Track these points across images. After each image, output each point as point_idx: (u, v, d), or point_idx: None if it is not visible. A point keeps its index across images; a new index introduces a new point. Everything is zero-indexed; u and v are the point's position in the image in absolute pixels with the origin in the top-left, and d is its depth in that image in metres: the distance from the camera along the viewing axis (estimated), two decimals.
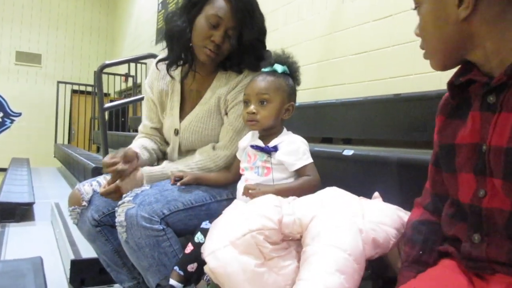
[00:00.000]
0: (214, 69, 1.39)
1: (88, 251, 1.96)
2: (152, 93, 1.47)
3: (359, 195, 1.48)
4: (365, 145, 2.31)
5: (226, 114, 1.36)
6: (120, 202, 1.16)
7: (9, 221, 2.92)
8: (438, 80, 2.14)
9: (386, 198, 1.39)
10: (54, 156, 7.33)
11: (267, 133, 1.18)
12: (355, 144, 2.43)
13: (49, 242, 2.50)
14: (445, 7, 0.68)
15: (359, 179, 1.50)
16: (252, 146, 1.16)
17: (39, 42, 9.04)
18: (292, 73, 1.21)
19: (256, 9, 1.32)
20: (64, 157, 5.85)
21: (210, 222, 1.14)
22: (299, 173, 1.13)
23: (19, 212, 3.03)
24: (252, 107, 1.14)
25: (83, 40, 9.45)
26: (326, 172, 1.39)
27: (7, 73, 8.77)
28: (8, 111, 8.86)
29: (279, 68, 1.18)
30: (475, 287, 0.65)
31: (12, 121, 8.91)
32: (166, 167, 1.31)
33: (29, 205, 3.19)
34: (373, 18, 2.62)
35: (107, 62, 2.70)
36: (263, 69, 1.21)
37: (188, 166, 1.31)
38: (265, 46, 1.37)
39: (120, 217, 1.13)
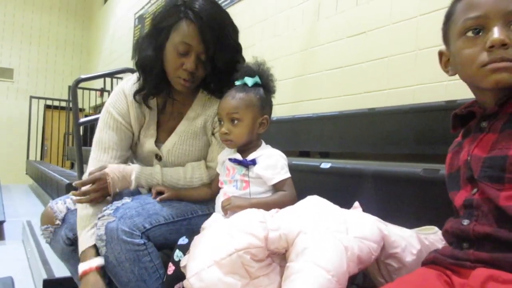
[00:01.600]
0: (193, 90, 1.31)
1: (61, 270, 1.90)
2: (126, 121, 1.31)
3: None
4: (342, 158, 2.35)
5: (213, 135, 1.33)
6: (100, 215, 1.14)
7: None
8: (411, 95, 2.20)
9: (363, 209, 1.42)
10: (26, 173, 7.12)
11: (245, 148, 1.18)
12: (333, 157, 2.46)
13: (20, 261, 2.41)
14: None
15: (337, 191, 1.51)
16: (230, 160, 1.15)
17: (11, 56, 8.84)
18: (264, 83, 1.18)
19: (228, 26, 1.22)
20: (36, 173, 5.69)
21: (188, 238, 1.14)
22: (276, 187, 1.13)
23: None
24: (224, 128, 1.14)
25: (57, 55, 9.30)
26: (305, 185, 1.41)
27: None
28: None
29: (249, 81, 1.15)
30: (454, 285, 0.67)
31: None
32: (157, 171, 1.28)
33: None
34: (347, 35, 2.69)
35: (83, 76, 2.66)
36: (235, 82, 1.18)
37: (180, 179, 1.29)
38: (240, 59, 1.28)
39: (100, 231, 1.11)
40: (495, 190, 0.69)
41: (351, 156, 2.32)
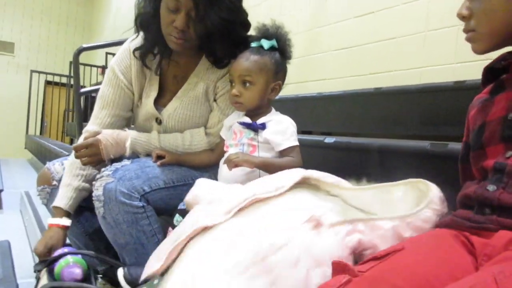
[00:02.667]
0: (195, 53, 1.28)
1: None
2: (127, 79, 1.30)
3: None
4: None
5: (215, 101, 1.29)
6: (98, 176, 1.12)
7: None
8: (418, 77, 2.18)
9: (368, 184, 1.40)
10: (25, 147, 7.11)
11: (254, 113, 1.15)
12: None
13: (17, 229, 2.41)
14: None
15: (341, 165, 1.49)
16: (239, 123, 1.12)
17: (13, 31, 8.75)
18: (281, 47, 1.14)
19: None
20: (36, 147, 5.68)
21: None
22: (283, 154, 1.10)
23: None
24: (235, 90, 1.10)
25: (58, 31, 9.20)
26: (308, 159, 1.39)
27: None
28: None
29: (265, 44, 1.11)
30: (475, 247, 0.65)
31: None
32: (154, 137, 1.25)
33: None
34: (354, 15, 2.65)
35: (85, 45, 2.62)
36: (251, 44, 1.14)
37: (178, 146, 1.26)
38: (244, 28, 1.23)
39: (97, 191, 1.09)
40: None
41: (353, 136, 2.30)
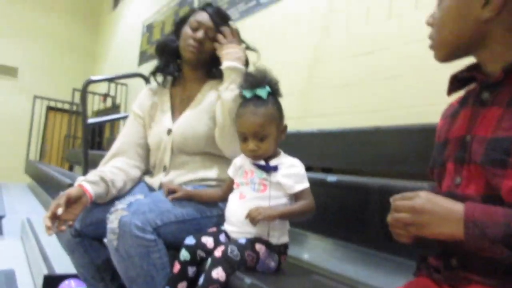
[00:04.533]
0: (203, 76, 1.53)
1: (61, 267, 1.91)
2: (141, 110, 1.55)
3: (342, 220, 1.53)
4: (345, 174, 2.37)
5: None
6: (113, 209, 1.16)
7: None
8: (418, 115, 2.24)
9: (368, 226, 1.44)
10: (25, 172, 7.12)
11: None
12: (336, 173, 2.49)
13: (18, 257, 2.41)
14: (469, 5, 0.71)
15: (342, 205, 1.54)
16: (253, 164, 1.17)
17: (17, 55, 8.88)
18: (273, 90, 1.18)
19: (230, 20, 1.53)
20: (36, 172, 5.69)
21: (195, 238, 1.16)
22: (296, 196, 1.15)
23: None
24: (252, 145, 1.14)
25: (62, 57, 9.33)
26: None
27: None
28: None
29: (263, 93, 1.15)
30: None
31: None
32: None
33: None
34: (354, 53, 2.74)
35: (93, 78, 2.70)
36: (245, 94, 1.17)
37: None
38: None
39: (112, 224, 1.13)
40: (498, 177, 0.64)
41: (354, 173, 2.35)
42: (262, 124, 1.13)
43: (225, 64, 1.39)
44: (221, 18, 1.48)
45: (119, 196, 1.35)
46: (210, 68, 1.53)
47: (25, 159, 7.52)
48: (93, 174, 1.32)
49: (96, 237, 1.35)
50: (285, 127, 1.21)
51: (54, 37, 9.26)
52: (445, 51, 0.78)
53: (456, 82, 0.80)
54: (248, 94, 1.17)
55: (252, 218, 1.06)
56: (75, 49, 9.50)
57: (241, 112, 1.17)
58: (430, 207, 0.65)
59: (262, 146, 1.14)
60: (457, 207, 0.64)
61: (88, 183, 1.27)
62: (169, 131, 1.45)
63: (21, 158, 7.72)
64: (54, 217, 1.17)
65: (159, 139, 1.47)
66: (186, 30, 1.47)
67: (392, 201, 0.70)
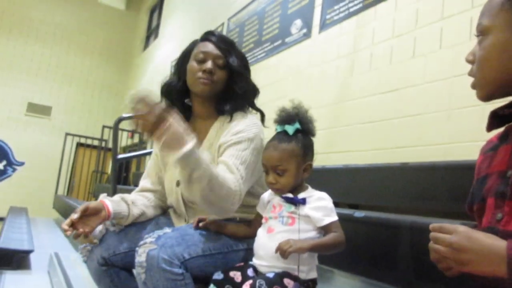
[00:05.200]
0: (213, 112, 1.43)
1: None
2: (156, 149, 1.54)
3: (370, 257, 1.50)
4: (371, 211, 2.34)
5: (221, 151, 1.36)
6: (141, 243, 1.18)
7: (5, 268, 2.85)
8: (444, 152, 2.22)
9: (398, 264, 1.41)
10: (53, 207, 7.27)
11: (293, 190, 1.20)
12: (362, 210, 2.46)
13: None
14: None
15: (370, 242, 1.51)
16: (282, 197, 1.18)
17: (51, 95, 9.32)
18: (304, 128, 1.19)
19: (236, 45, 1.47)
20: (64, 207, 5.81)
21: (223, 273, 1.16)
22: (325, 229, 1.14)
23: (17, 260, 2.97)
24: (271, 178, 1.17)
25: (93, 96, 9.74)
26: None
27: (16, 123, 8.96)
28: (12, 160, 8.92)
29: (290, 129, 1.17)
30: None
31: (14, 170, 8.94)
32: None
33: (28, 253, 3.13)
34: (380, 91, 2.76)
35: (124, 115, 2.80)
36: (276, 127, 1.20)
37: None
38: (249, 73, 1.48)
39: (141, 258, 1.14)
40: None
41: (381, 209, 2.31)
42: (280, 159, 1.15)
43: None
44: (226, 44, 1.42)
45: (146, 225, 1.40)
46: (221, 103, 1.43)
47: (54, 194, 7.71)
48: (115, 196, 1.39)
49: (125, 267, 1.37)
50: (310, 165, 1.21)
51: (87, 78, 9.72)
52: (488, 89, 0.77)
53: (496, 120, 0.80)
54: (278, 128, 1.20)
55: (283, 251, 1.05)
56: (105, 89, 9.91)
57: (267, 145, 1.21)
58: (470, 245, 0.63)
59: (280, 180, 1.16)
60: (499, 244, 0.62)
61: (108, 200, 1.32)
62: (178, 183, 1.39)
63: (50, 193, 7.92)
64: (71, 225, 1.23)
65: (170, 189, 1.44)
66: (192, 64, 1.39)
67: (431, 229, 0.69)
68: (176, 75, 1.45)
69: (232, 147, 1.31)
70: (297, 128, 1.18)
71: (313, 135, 1.23)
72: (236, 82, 1.41)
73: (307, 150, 1.20)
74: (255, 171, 1.33)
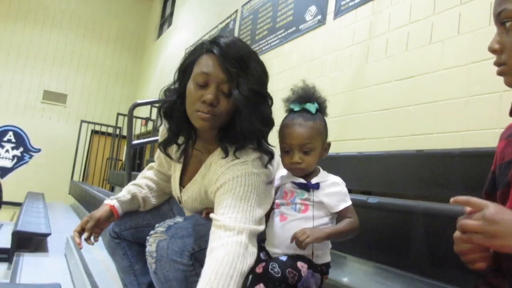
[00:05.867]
0: (213, 141, 1.19)
1: (104, 284, 1.96)
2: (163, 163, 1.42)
3: (384, 243, 1.50)
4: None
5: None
6: (152, 232, 1.16)
7: (24, 250, 2.92)
8: (460, 140, 2.19)
9: (411, 250, 1.41)
10: (69, 193, 7.40)
11: (306, 174, 1.18)
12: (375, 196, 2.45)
13: (63, 273, 2.49)
14: None
15: (383, 228, 1.51)
16: (294, 183, 1.16)
17: (67, 83, 9.43)
18: (322, 106, 1.18)
19: (251, 56, 1.12)
20: (80, 193, 5.90)
21: None
22: (340, 214, 1.13)
23: (34, 243, 3.04)
24: (296, 158, 1.13)
25: (108, 84, 9.84)
26: None
27: (32, 110, 9.10)
28: (29, 146, 9.09)
29: (312, 108, 1.15)
30: None
31: (30, 157, 9.11)
32: None
33: (45, 236, 3.20)
34: (395, 78, 2.73)
35: (139, 101, 2.82)
36: (293, 107, 1.17)
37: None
38: (267, 102, 1.15)
39: (151, 247, 1.13)
40: None
41: (394, 196, 2.30)
42: (310, 137, 1.13)
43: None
44: (235, 61, 1.08)
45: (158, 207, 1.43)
46: (222, 136, 1.15)
47: (70, 180, 7.84)
48: (126, 191, 1.37)
49: (136, 241, 1.38)
50: (329, 144, 1.21)
51: (102, 66, 9.80)
52: None
53: None
54: (296, 107, 1.17)
55: (300, 242, 1.04)
56: (120, 77, 9.99)
57: (288, 124, 1.16)
58: (501, 217, 0.62)
59: (306, 159, 1.14)
60: None
61: (119, 203, 1.32)
62: (179, 199, 1.34)
63: (66, 179, 8.05)
64: (81, 230, 1.24)
65: (175, 197, 1.39)
66: (191, 88, 1.11)
67: (455, 202, 0.67)
68: (177, 94, 1.18)
69: (223, 196, 1.08)
70: (317, 107, 1.17)
71: (326, 115, 1.21)
72: (241, 118, 1.10)
73: (327, 130, 1.20)
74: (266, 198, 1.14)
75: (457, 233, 0.69)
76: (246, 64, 1.09)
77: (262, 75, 1.13)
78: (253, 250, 1.01)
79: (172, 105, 1.18)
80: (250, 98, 1.08)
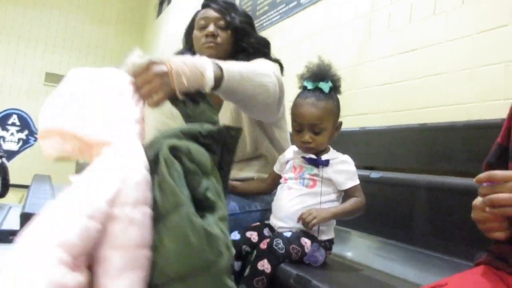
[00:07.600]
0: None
1: None
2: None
3: (387, 217, 1.51)
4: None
5: None
6: None
7: None
8: (465, 112, 2.17)
9: (414, 223, 1.41)
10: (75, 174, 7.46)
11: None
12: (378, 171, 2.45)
13: None
14: None
15: (387, 202, 1.52)
16: (304, 158, 1.16)
17: (69, 65, 9.37)
18: (336, 85, 1.18)
19: (235, 5, 1.49)
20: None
21: (239, 233, 1.17)
22: (347, 192, 1.14)
23: None
24: (307, 137, 1.14)
25: (108, 65, 9.68)
26: None
27: (36, 93, 9.08)
28: (33, 129, 9.12)
29: (325, 87, 1.14)
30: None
31: (36, 139, 9.14)
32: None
33: None
34: (398, 51, 2.69)
35: None
36: (306, 85, 1.17)
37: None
38: (255, 30, 1.51)
39: None
40: None
41: (397, 171, 2.30)
42: (321, 117, 1.13)
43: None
44: (226, 5, 1.45)
45: None
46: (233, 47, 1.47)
47: (76, 162, 7.89)
48: None
49: None
50: (340, 123, 1.20)
51: (102, 47, 9.69)
52: None
53: None
54: (310, 85, 1.16)
55: (307, 223, 1.06)
56: (121, 57, 9.86)
57: (300, 103, 1.16)
58: None
59: (317, 139, 1.14)
60: None
61: None
62: None
63: (72, 161, 8.10)
64: None
65: None
66: (196, 33, 1.45)
67: (478, 181, 0.64)
68: (186, 47, 1.51)
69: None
70: (331, 87, 1.16)
71: (340, 93, 1.21)
72: (243, 40, 1.44)
73: (339, 109, 1.20)
74: None
75: (477, 200, 0.67)
76: (233, 7, 1.47)
77: (249, 16, 1.51)
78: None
79: (182, 52, 1.47)
80: (244, 23, 1.45)
